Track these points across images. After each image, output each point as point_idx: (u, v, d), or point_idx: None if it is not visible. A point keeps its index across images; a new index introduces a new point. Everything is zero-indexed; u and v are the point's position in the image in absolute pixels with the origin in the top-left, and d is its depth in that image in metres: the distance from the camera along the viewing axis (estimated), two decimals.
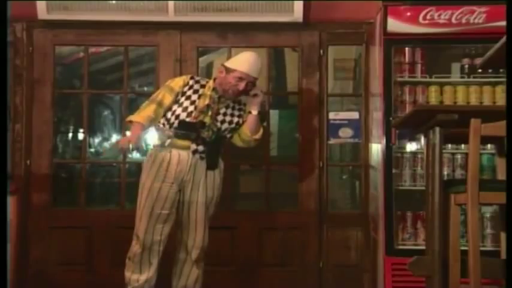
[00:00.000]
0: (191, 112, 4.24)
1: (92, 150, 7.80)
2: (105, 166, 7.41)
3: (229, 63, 4.35)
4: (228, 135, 4.38)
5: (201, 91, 4.31)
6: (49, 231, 5.40)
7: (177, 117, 4.24)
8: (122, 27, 5.44)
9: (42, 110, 5.47)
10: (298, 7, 5.28)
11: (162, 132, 4.28)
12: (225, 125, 4.31)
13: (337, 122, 5.46)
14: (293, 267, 5.43)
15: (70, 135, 7.59)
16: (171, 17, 5.31)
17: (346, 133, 5.45)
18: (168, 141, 4.24)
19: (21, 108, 5.42)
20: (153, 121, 4.29)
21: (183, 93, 4.29)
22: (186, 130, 4.23)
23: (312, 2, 5.43)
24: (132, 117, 4.30)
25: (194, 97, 4.28)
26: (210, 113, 4.25)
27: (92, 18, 5.33)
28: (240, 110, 4.39)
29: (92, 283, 5.36)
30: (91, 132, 7.37)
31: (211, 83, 4.36)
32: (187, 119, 4.23)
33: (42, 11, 5.29)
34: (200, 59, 5.72)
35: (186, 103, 4.26)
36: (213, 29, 5.47)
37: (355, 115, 5.49)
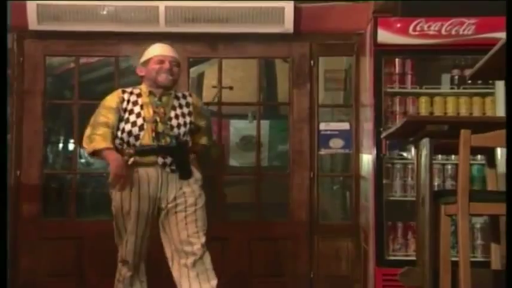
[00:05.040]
0: (142, 125, 4.08)
1: (83, 160, 7.78)
2: (96, 176, 7.39)
3: (143, 59, 4.25)
4: (188, 139, 4.19)
5: (140, 101, 4.15)
6: (39, 242, 5.37)
7: (130, 133, 4.09)
8: (112, 37, 5.45)
9: (32, 121, 5.46)
10: (289, 18, 5.29)
11: (123, 153, 4.08)
12: (182, 129, 4.15)
13: (328, 132, 5.47)
14: (284, 277, 5.42)
15: (60, 145, 7.57)
16: (161, 27, 5.32)
17: (336, 144, 5.46)
18: (131, 159, 4.06)
19: (11, 119, 5.39)
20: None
21: (125, 110, 4.14)
22: (147, 144, 4.07)
23: (303, 13, 5.45)
24: (96, 145, 4.10)
25: (137, 109, 4.13)
26: (159, 119, 4.10)
27: (83, 29, 5.33)
28: (187, 106, 4.24)
29: None
30: (81, 143, 7.34)
31: (143, 87, 4.22)
32: (142, 133, 4.08)
33: (33, 21, 5.29)
34: (191, 70, 5.73)
35: (133, 118, 4.10)
36: (204, 40, 5.47)
37: (345, 126, 5.50)
